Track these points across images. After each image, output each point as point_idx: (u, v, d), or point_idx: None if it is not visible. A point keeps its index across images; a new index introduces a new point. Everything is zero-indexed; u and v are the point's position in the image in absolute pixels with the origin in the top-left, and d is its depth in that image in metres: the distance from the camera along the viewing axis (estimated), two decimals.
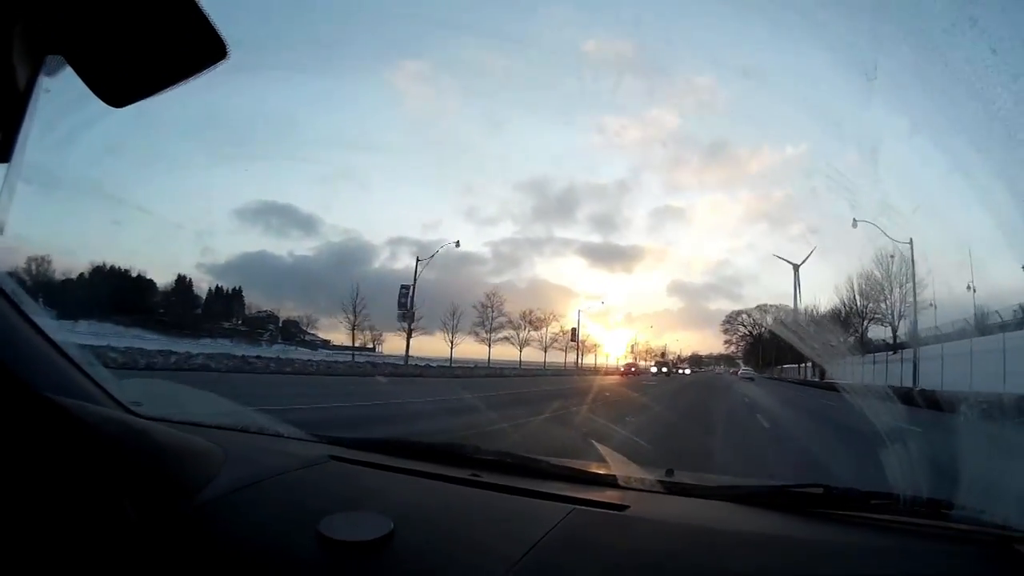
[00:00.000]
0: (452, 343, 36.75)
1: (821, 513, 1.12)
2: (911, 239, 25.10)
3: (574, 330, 44.87)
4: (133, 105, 0.74)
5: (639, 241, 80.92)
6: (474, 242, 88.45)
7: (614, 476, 1.35)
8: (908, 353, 26.58)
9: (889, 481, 1.30)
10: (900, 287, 33.91)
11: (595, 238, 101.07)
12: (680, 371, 60.92)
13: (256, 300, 34.09)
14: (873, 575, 0.88)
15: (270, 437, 1.52)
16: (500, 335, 40.41)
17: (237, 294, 40.61)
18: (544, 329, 42.77)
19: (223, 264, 32.64)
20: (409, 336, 32.60)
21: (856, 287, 38.69)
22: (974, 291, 24.55)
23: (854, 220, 25.76)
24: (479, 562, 0.87)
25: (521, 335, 40.36)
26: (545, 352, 43.17)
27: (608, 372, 35.10)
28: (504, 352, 41.35)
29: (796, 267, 49.29)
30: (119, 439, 0.91)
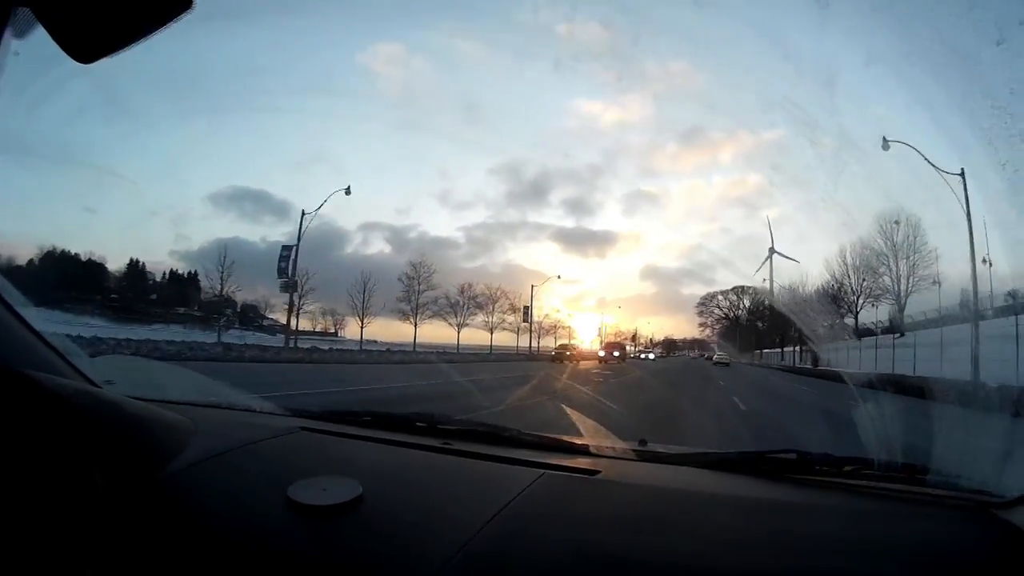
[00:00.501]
0: (363, 324, 34.77)
1: (795, 478, 1.13)
2: (962, 169, 17.26)
3: (526, 308, 42.19)
4: (104, 71, 0.75)
5: (613, 226, 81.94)
6: (447, 227, 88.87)
7: (586, 445, 1.37)
8: (916, 338, 23.65)
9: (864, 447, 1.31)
10: (907, 259, 29.85)
11: (569, 223, 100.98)
12: (644, 356, 57.98)
13: (229, 286, 32.67)
14: (849, 537, 0.90)
15: (241, 412, 1.54)
16: (449, 317, 38.84)
17: (193, 279, 39.14)
18: (491, 308, 40.13)
19: (197, 251, 32.30)
20: (291, 310, 28.89)
21: (850, 261, 34.42)
22: (990, 264, 19.99)
23: (884, 140, 19.29)
24: (448, 524, 0.88)
25: (461, 316, 37.75)
26: (491, 333, 41.12)
27: (564, 356, 31.77)
28: (475, 336, 40.31)
29: (771, 249, 49.08)
30: (89, 410, 0.91)
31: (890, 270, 30.52)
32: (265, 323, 42.76)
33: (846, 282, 33.84)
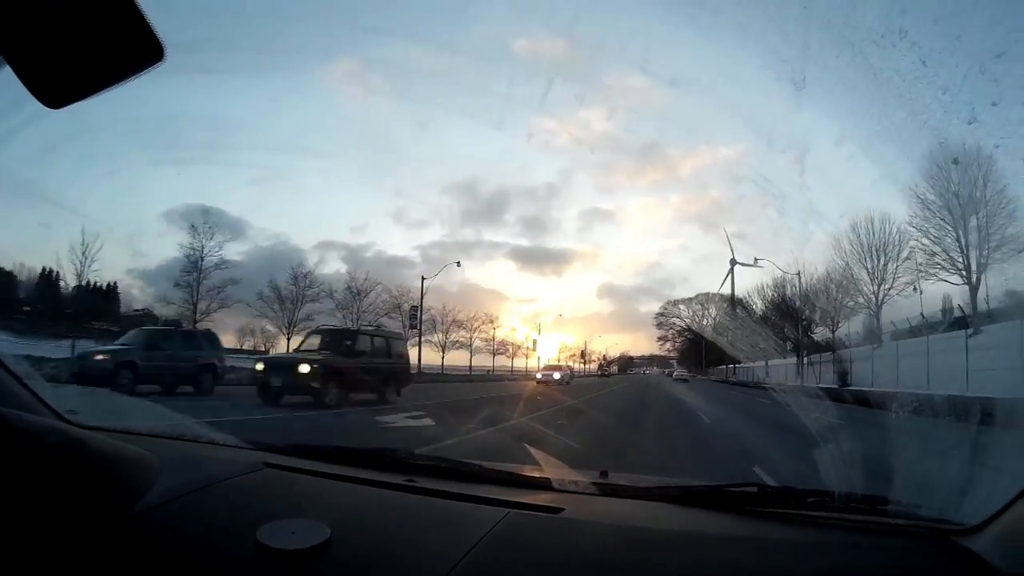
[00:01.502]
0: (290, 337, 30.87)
1: (757, 511, 1.16)
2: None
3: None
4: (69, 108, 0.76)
5: (569, 244, 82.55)
6: (403, 246, 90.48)
7: (548, 479, 1.39)
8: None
9: (823, 479, 1.37)
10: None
11: (525, 241, 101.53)
12: (605, 373, 59.28)
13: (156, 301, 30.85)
14: (811, 569, 0.92)
15: (205, 445, 1.57)
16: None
17: (111, 291, 36.52)
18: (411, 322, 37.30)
19: (154, 269, 30.51)
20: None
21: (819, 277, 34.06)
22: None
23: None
24: (417, 566, 0.89)
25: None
26: (443, 352, 40.04)
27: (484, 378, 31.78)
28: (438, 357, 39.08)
29: (732, 261, 50.55)
30: (56, 448, 0.92)
31: (860, 292, 31.79)
32: None
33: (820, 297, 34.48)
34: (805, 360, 33.96)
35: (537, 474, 1.47)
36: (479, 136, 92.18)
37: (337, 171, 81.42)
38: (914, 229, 27.06)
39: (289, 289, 32.09)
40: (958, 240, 24.97)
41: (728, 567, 0.93)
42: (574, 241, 79.29)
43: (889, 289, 30.04)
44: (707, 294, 62.91)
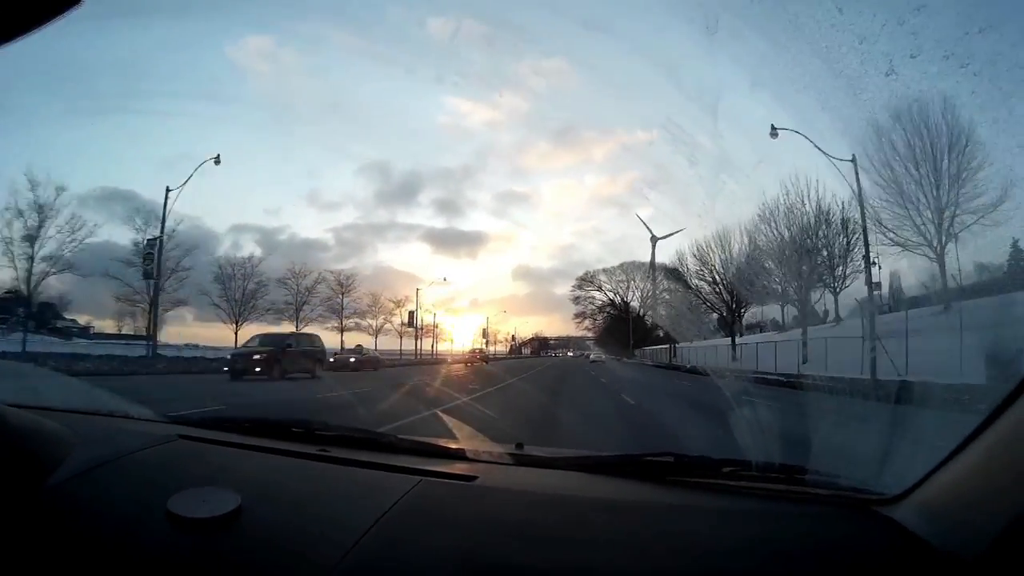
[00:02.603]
0: (151, 324, 29.03)
1: (674, 481, 1.17)
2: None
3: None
4: None
5: (484, 226, 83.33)
6: (317, 228, 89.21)
7: (463, 449, 1.43)
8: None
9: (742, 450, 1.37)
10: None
11: (439, 223, 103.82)
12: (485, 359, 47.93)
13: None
14: (729, 536, 0.93)
15: (121, 419, 1.59)
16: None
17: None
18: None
19: (70, 256, 27.39)
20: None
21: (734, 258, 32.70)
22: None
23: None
24: (327, 533, 0.91)
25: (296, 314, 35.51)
26: (376, 337, 39.77)
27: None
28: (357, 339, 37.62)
29: (654, 240, 46.05)
30: None
31: (779, 273, 29.10)
32: (58, 324, 39.33)
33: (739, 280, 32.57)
34: (737, 342, 33.77)
35: (452, 445, 1.51)
36: (394, 115, 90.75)
37: (250, 151, 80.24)
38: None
39: (234, 283, 32.86)
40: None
41: (644, 534, 0.94)
42: (489, 223, 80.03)
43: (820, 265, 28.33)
44: (632, 263, 56.86)
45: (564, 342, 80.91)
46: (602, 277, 61.96)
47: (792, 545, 0.90)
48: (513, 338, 69.18)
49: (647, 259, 49.37)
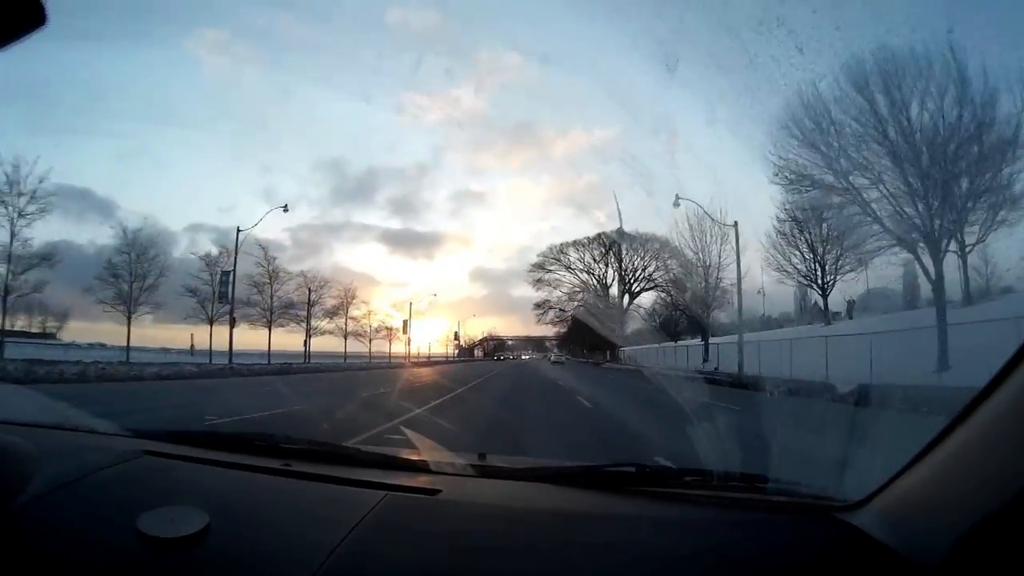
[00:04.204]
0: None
1: (636, 491, 1.19)
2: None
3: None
4: None
5: (440, 226, 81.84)
6: (273, 228, 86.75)
7: (426, 462, 1.43)
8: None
9: (702, 459, 1.41)
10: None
11: (395, 224, 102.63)
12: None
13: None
14: (691, 545, 0.95)
15: (84, 434, 1.60)
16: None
17: None
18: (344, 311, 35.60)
19: (27, 255, 24.31)
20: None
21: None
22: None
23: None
24: (295, 552, 0.92)
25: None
26: (345, 339, 37.19)
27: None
28: (328, 344, 36.40)
29: (620, 231, 42.73)
30: None
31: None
32: None
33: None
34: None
35: (415, 457, 1.52)
36: (348, 111, 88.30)
37: (204, 148, 77.82)
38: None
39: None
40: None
41: (606, 545, 0.95)
42: (445, 224, 79.05)
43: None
44: (618, 231, 44.13)
45: (523, 344, 78.46)
46: (572, 253, 48.84)
47: (754, 552, 0.92)
48: (456, 336, 61.36)
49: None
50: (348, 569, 0.88)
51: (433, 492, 1.18)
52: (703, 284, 30.82)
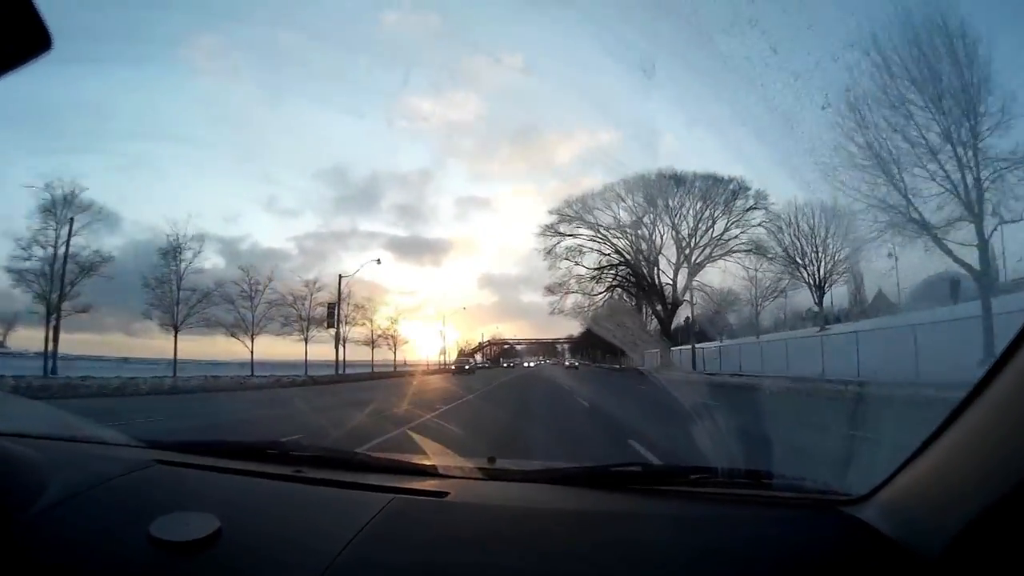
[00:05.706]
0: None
1: (642, 490, 1.20)
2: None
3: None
4: None
5: (446, 233, 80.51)
6: (278, 237, 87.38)
7: (434, 466, 1.46)
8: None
9: (708, 457, 1.42)
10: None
11: (401, 231, 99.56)
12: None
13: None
14: (697, 541, 0.97)
15: (96, 444, 1.62)
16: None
17: None
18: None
19: (37, 267, 24.97)
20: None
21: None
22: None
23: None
24: (304, 554, 0.94)
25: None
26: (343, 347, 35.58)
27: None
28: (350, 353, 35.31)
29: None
30: None
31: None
32: None
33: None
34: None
35: (423, 461, 1.54)
36: (349, 119, 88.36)
37: (207, 159, 77.67)
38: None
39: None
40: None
41: (614, 543, 0.96)
42: (452, 230, 77.00)
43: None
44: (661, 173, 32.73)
45: (534, 348, 76.74)
46: (598, 206, 35.18)
47: (760, 548, 0.94)
48: (462, 351, 56.94)
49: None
50: (353, 572, 0.90)
51: (441, 495, 1.20)
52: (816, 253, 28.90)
